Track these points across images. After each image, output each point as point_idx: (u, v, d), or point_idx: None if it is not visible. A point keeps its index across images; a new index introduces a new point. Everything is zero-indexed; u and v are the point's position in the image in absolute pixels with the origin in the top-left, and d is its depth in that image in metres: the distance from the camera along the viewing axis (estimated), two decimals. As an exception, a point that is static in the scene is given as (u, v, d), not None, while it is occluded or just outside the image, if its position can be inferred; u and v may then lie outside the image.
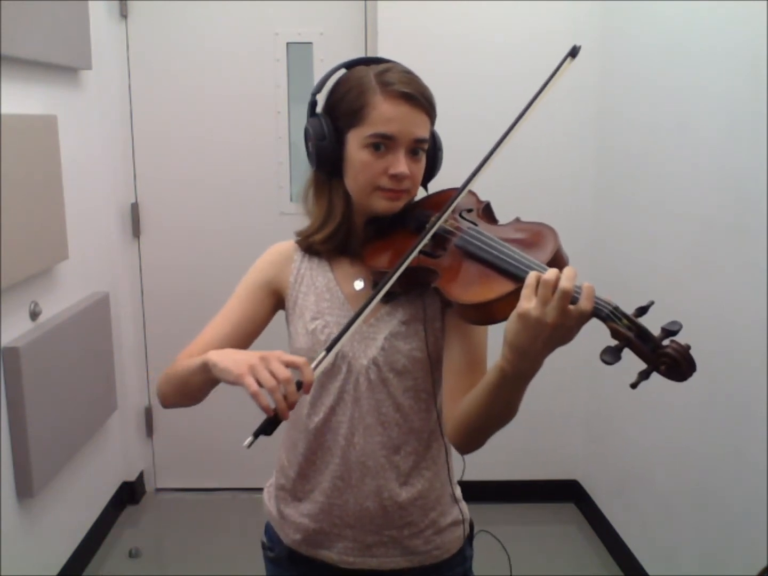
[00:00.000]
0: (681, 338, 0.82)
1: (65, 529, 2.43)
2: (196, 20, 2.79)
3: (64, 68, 2.35)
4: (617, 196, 2.62)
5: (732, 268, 1.88)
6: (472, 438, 1.02)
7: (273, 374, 0.87)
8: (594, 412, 2.85)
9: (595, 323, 0.84)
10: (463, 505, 1.24)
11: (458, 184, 1.06)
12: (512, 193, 2.74)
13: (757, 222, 1.75)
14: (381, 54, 2.65)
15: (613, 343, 0.83)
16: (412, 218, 1.11)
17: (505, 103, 2.76)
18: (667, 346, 0.81)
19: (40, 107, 2.19)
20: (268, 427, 0.88)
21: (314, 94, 1.14)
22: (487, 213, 1.12)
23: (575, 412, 2.93)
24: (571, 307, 0.82)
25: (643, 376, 0.82)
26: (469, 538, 1.25)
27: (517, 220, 1.07)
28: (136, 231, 2.92)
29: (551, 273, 0.83)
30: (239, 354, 0.94)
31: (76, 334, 2.35)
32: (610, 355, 0.81)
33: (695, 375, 0.86)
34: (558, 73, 1.03)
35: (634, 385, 0.82)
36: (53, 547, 2.35)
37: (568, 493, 3.02)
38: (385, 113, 1.04)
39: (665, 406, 2.23)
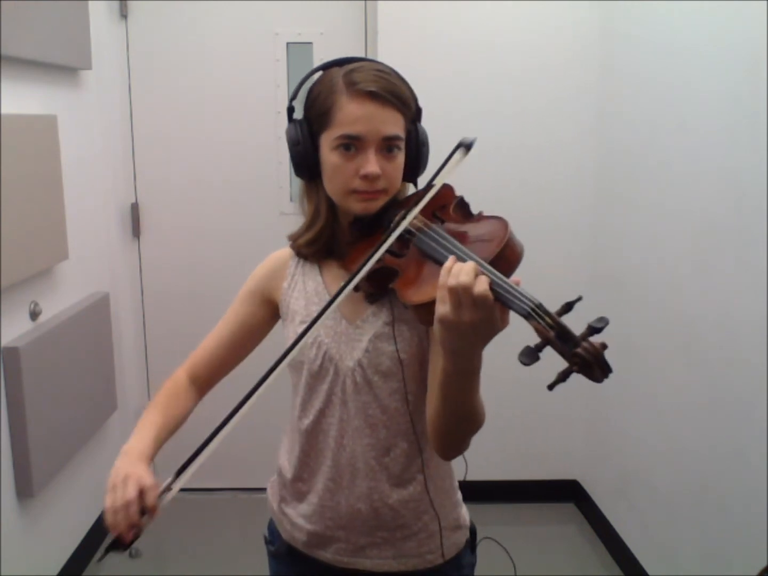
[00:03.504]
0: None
1: (65, 529, 2.43)
2: (196, 20, 2.79)
3: (64, 68, 2.35)
4: (617, 196, 2.62)
5: (732, 268, 1.88)
6: (444, 442, 1.02)
7: (121, 496, 0.93)
8: (594, 412, 2.85)
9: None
10: (464, 510, 1.23)
11: (456, 182, 1.05)
12: (512, 193, 2.75)
13: (757, 222, 1.75)
14: (381, 54, 2.65)
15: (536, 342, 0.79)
16: (391, 217, 1.08)
17: (504, 101, 2.76)
18: (580, 346, 0.76)
19: (40, 107, 2.19)
20: (114, 545, 0.94)
21: (291, 100, 1.14)
22: (460, 208, 1.09)
23: (575, 412, 2.93)
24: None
25: (560, 376, 0.77)
26: (471, 546, 1.23)
27: (480, 214, 1.05)
28: (136, 231, 2.92)
29: (452, 278, 0.81)
30: (123, 467, 1.01)
31: (76, 334, 2.35)
32: (527, 356, 0.77)
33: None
34: (449, 165, 0.97)
35: (550, 387, 0.78)
36: (53, 547, 2.35)
37: (568, 493, 3.02)
38: (351, 113, 1.03)
39: (665, 406, 2.23)
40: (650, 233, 2.34)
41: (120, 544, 0.92)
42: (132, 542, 0.93)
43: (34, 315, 2.14)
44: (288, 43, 2.81)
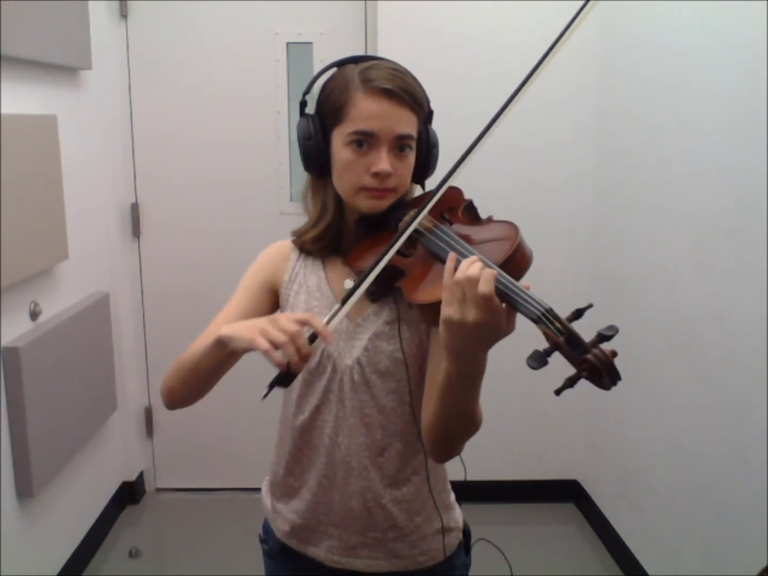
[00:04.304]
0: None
1: (65, 529, 2.43)
2: (196, 20, 2.79)
3: (64, 68, 2.35)
4: (617, 196, 2.62)
5: (732, 268, 1.88)
6: (439, 444, 1.02)
7: (283, 331, 0.89)
8: (594, 412, 2.85)
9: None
10: (457, 512, 1.22)
11: (461, 183, 1.05)
12: (512, 193, 2.75)
13: (757, 222, 1.75)
14: (381, 54, 2.65)
15: (545, 345, 0.79)
16: (398, 217, 1.08)
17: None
18: (590, 353, 0.76)
19: (40, 107, 2.19)
20: (282, 380, 0.91)
21: (304, 95, 1.14)
22: (468, 211, 1.09)
23: (575, 412, 2.93)
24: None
25: (568, 382, 0.78)
26: (465, 548, 1.23)
27: (489, 218, 1.05)
28: (136, 231, 2.92)
29: (459, 272, 0.81)
30: (249, 322, 0.96)
31: (76, 334, 2.35)
32: (536, 360, 0.77)
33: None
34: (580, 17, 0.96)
35: (558, 391, 0.78)
36: (53, 547, 2.35)
37: (568, 493, 3.02)
38: (366, 110, 1.03)
39: (665, 406, 2.23)
40: (650, 233, 2.34)
41: (288, 377, 0.91)
42: (299, 372, 0.91)
43: (34, 315, 2.14)
44: (288, 43, 2.81)
